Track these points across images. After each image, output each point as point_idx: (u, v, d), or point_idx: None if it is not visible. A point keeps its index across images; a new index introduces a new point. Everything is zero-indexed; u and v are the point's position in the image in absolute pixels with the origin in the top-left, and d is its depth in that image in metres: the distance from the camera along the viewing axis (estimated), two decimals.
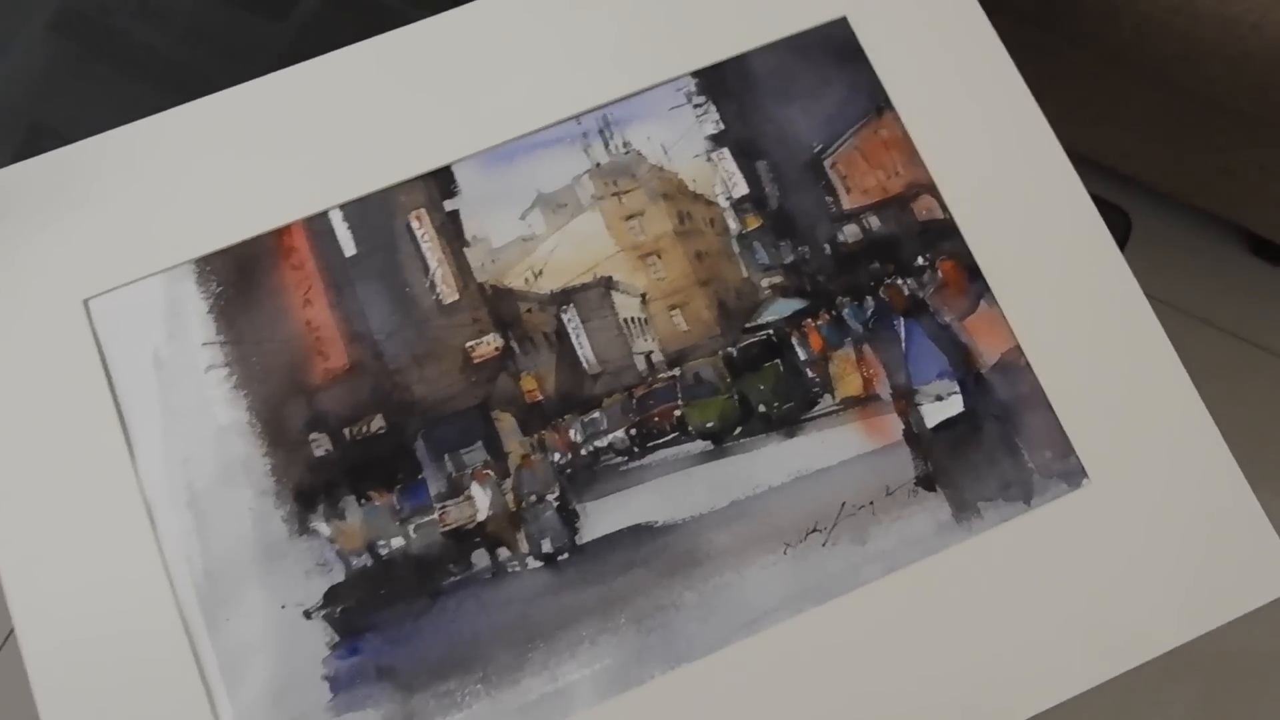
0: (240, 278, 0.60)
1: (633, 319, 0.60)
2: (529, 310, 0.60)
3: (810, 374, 0.60)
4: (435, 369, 0.59)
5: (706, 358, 0.60)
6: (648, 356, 0.60)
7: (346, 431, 0.58)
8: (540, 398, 0.59)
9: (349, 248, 0.60)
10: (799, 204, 0.62)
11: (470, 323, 0.60)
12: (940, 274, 0.61)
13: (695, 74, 0.64)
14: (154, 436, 0.57)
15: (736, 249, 0.62)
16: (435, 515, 0.57)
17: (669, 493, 0.57)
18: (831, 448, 0.58)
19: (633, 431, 0.58)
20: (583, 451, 0.58)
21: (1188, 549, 0.57)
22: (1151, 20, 0.93)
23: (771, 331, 0.60)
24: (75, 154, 0.61)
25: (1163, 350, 0.59)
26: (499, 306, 0.60)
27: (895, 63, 0.64)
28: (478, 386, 0.59)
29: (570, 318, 0.60)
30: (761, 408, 0.59)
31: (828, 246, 0.62)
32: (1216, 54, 0.94)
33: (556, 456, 0.58)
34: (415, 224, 0.61)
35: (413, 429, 0.58)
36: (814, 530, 0.57)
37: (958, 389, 0.59)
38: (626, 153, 0.63)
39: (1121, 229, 0.66)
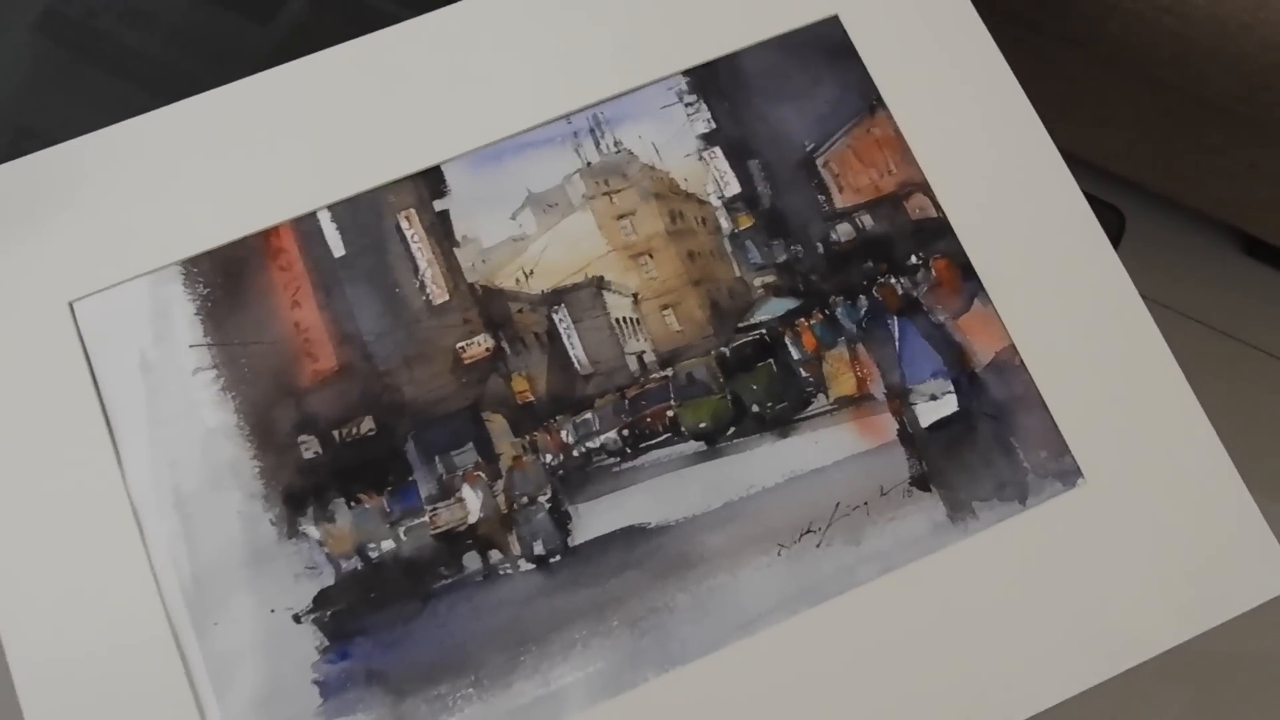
0: (228, 279, 0.59)
1: (625, 319, 0.60)
2: (520, 310, 0.60)
3: (804, 374, 0.59)
4: (425, 370, 0.58)
5: (699, 358, 0.59)
6: (640, 357, 0.59)
7: (336, 434, 0.57)
8: (532, 399, 0.58)
9: (338, 248, 0.60)
10: (791, 203, 0.62)
11: (461, 323, 0.59)
12: (934, 273, 0.61)
13: (687, 73, 0.63)
14: (141, 440, 0.57)
15: (729, 248, 0.61)
16: (426, 518, 0.56)
17: (662, 494, 0.57)
18: (825, 448, 0.58)
19: (625, 432, 0.58)
20: (575, 453, 0.58)
21: (1183, 549, 0.56)
22: (1143, 19, 0.93)
23: (764, 331, 0.60)
24: (60, 156, 0.61)
25: (1158, 349, 0.59)
26: (490, 307, 0.59)
27: (887, 61, 0.64)
28: (469, 388, 0.58)
29: (562, 318, 0.60)
30: (755, 408, 0.59)
31: (820, 245, 0.61)
32: (1208, 54, 0.93)
33: (548, 458, 0.57)
34: (405, 224, 0.60)
35: (403, 431, 0.57)
36: (808, 531, 0.56)
37: (952, 388, 0.59)
38: (618, 152, 0.62)
39: (1115, 227, 0.66)
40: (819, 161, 0.62)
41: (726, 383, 0.59)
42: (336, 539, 0.56)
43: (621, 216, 0.61)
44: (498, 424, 0.58)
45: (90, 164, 0.61)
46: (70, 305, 0.58)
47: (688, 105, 0.63)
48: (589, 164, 0.62)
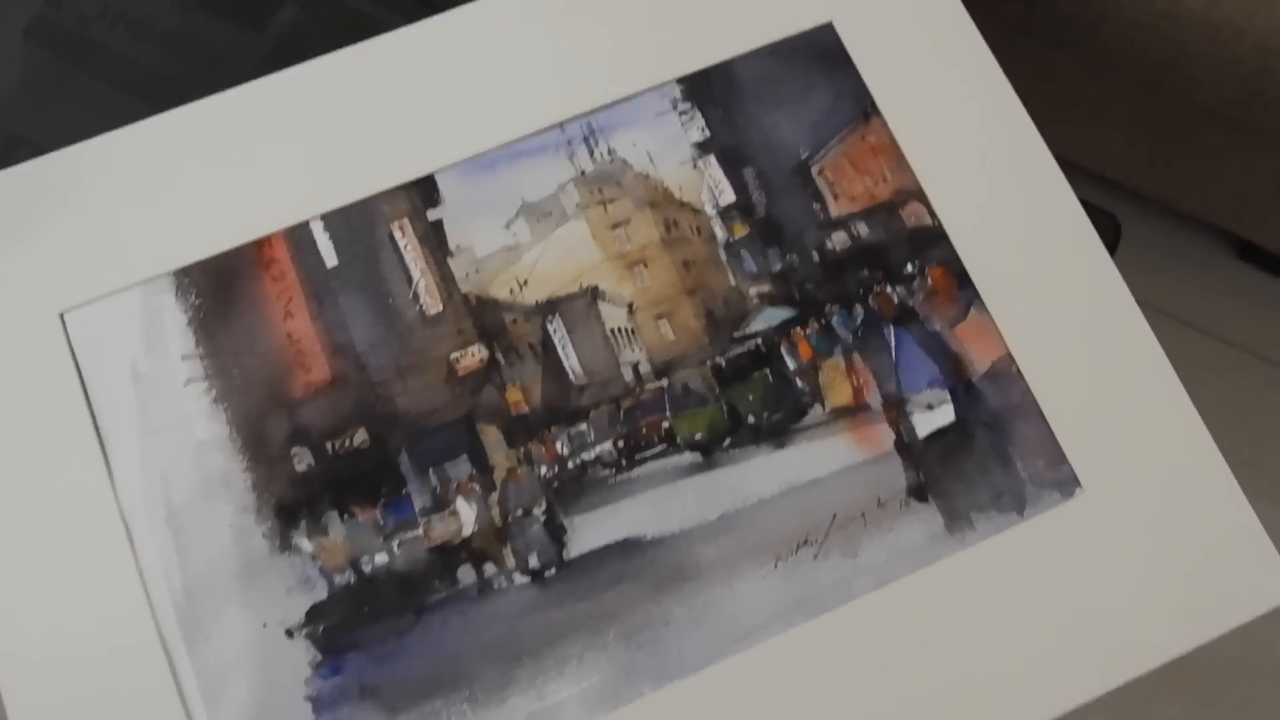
0: (220, 290, 0.59)
1: (619, 329, 0.59)
2: (514, 321, 0.59)
3: (800, 384, 0.59)
4: (419, 381, 0.58)
5: (694, 368, 0.59)
6: (635, 367, 0.59)
7: (329, 445, 0.57)
8: (526, 410, 0.58)
9: (330, 258, 0.59)
10: (786, 211, 0.62)
11: (454, 334, 0.59)
12: (930, 281, 0.60)
13: (680, 80, 0.63)
14: (131, 451, 0.56)
15: (724, 257, 0.61)
16: (420, 530, 0.56)
17: (658, 506, 0.57)
18: (822, 458, 0.57)
19: (620, 443, 0.58)
20: (570, 464, 0.57)
21: (1182, 558, 0.56)
22: (1137, 24, 0.93)
23: (760, 341, 0.60)
24: (50, 165, 0.60)
25: (1155, 357, 0.59)
26: (483, 317, 0.59)
27: (882, 68, 0.63)
28: (462, 399, 0.58)
29: (556, 328, 0.59)
30: (751, 418, 0.58)
31: (816, 254, 0.61)
32: (1202, 58, 0.93)
33: (543, 469, 0.57)
34: (398, 234, 0.60)
35: (396, 442, 0.57)
36: (805, 543, 0.56)
37: (949, 398, 0.59)
38: (612, 160, 0.62)
39: (1111, 234, 0.66)
40: (814, 169, 0.62)
41: (722, 393, 0.59)
42: (329, 552, 0.55)
43: (616, 225, 0.61)
44: (492, 435, 0.57)
45: (81, 173, 0.60)
46: (61, 316, 0.58)
47: (682, 113, 0.63)
48: (583, 173, 0.62)
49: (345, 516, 0.56)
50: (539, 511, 0.56)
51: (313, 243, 0.59)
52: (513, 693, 0.53)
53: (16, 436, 0.56)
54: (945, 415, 0.58)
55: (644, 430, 0.58)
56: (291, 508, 0.56)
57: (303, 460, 0.56)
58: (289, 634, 0.54)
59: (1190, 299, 1.43)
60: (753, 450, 0.58)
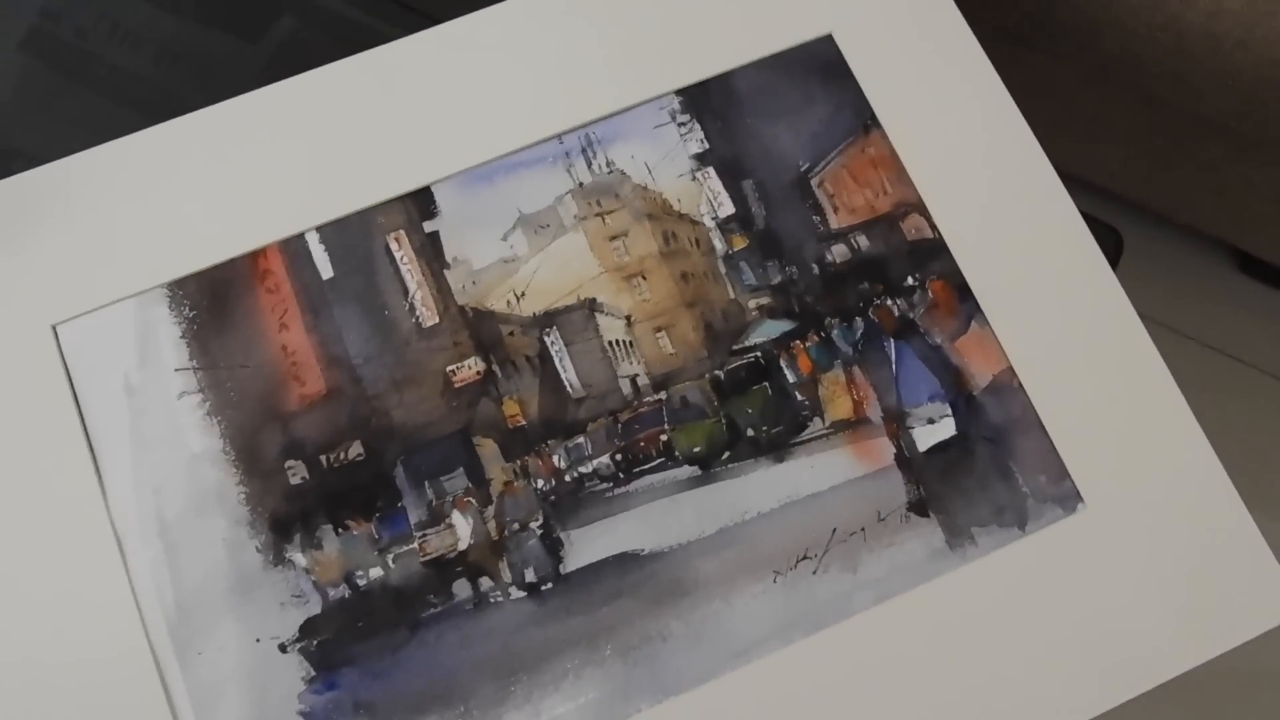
0: (214, 302, 0.58)
1: (617, 341, 0.59)
2: (511, 333, 0.59)
3: (799, 397, 0.59)
4: (415, 394, 0.57)
5: (693, 381, 0.59)
6: (633, 380, 0.58)
7: (324, 459, 0.56)
8: (523, 423, 0.57)
9: (326, 270, 0.59)
10: (786, 223, 0.61)
11: (451, 346, 0.58)
12: (930, 294, 0.60)
13: (679, 92, 0.63)
14: (124, 465, 0.56)
15: (723, 269, 0.61)
16: (415, 544, 0.55)
17: (655, 520, 0.56)
18: (821, 472, 0.57)
19: (618, 457, 0.57)
20: (567, 478, 0.57)
21: (1186, 575, 0.56)
22: (1137, 37, 0.92)
23: (759, 354, 0.59)
24: (44, 176, 0.60)
25: (1157, 371, 0.59)
26: (480, 329, 0.59)
27: (882, 80, 0.63)
28: (459, 411, 0.57)
29: (553, 340, 0.59)
30: (750, 432, 0.58)
31: (816, 266, 0.61)
32: (1203, 70, 0.93)
33: (540, 483, 0.57)
34: (394, 246, 0.60)
35: (392, 456, 0.57)
36: (804, 558, 0.55)
37: (949, 411, 0.58)
38: (610, 172, 0.62)
39: (1113, 247, 0.65)
40: (814, 181, 0.62)
41: (721, 406, 0.58)
42: (323, 566, 0.55)
43: (614, 238, 0.61)
44: (488, 448, 0.57)
45: (75, 184, 0.60)
46: (53, 328, 0.57)
47: (681, 125, 0.62)
48: (581, 184, 0.61)
49: (340, 530, 0.55)
50: (535, 525, 0.56)
51: (308, 254, 0.59)
52: (508, 709, 0.53)
53: (8, 449, 0.55)
54: (946, 429, 0.58)
55: (642, 443, 0.57)
56: (285, 521, 0.55)
57: (297, 473, 0.56)
58: (282, 649, 0.53)
59: (1191, 312, 1.43)
60: (752, 464, 0.57)
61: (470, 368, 0.58)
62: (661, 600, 0.55)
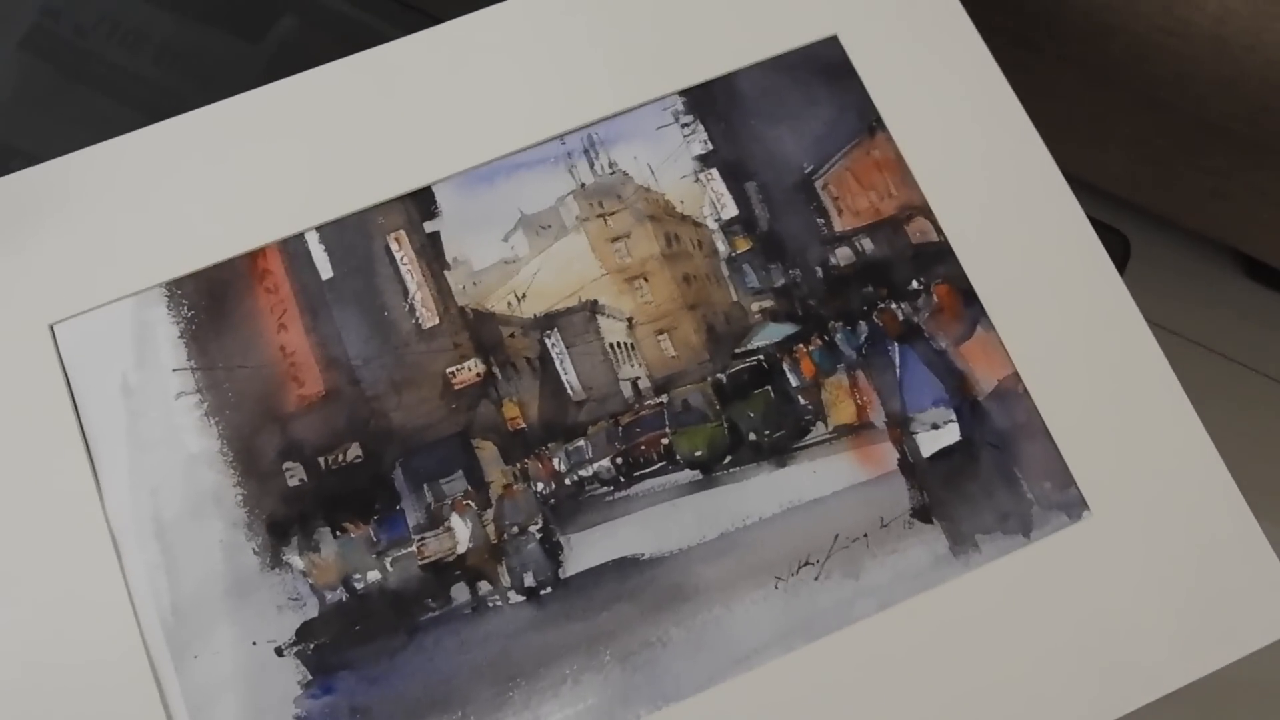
0: (212, 302, 0.58)
1: (619, 344, 0.58)
2: (511, 335, 0.58)
3: (802, 401, 0.58)
4: (414, 396, 0.57)
5: (695, 384, 0.58)
6: (634, 383, 0.58)
7: (322, 461, 0.56)
8: (523, 425, 0.57)
9: (326, 270, 0.59)
10: (789, 226, 0.61)
11: (451, 348, 0.58)
12: (935, 298, 0.59)
13: (683, 93, 0.62)
14: (121, 466, 0.55)
15: (726, 272, 0.60)
16: (413, 547, 0.55)
17: (656, 524, 0.56)
18: (824, 478, 0.56)
19: (619, 460, 0.57)
20: (567, 481, 0.56)
21: (1192, 584, 0.55)
22: (1144, 40, 0.92)
23: (762, 357, 0.59)
24: (42, 175, 0.60)
25: (1165, 377, 0.58)
26: (480, 331, 0.58)
27: (887, 82, 0.63)
28: (458, 414, 0.57)
29: (554, 343, 0.58)
30: (752, 436, 0.57)
31: (819, 269, 0.60)
32: (1210, 75, 0.93)
33: (539, 486, 0.56)
34: (394, 246, 0.59)
35: (390, 458, 0.56)
36: (806, 563, 0.55)
37: (954, 417, 0.58)
38: (612, 173, 0.61)
39: (1120, 252, 0.65)
40: (818, 184, 0.61)
41: (723, 410, 0.58)
42: (321, 569, 0.54)
43: (616, 239, 0.60)
44: (488, 451, 0.56)
45: (73, 183, 0.59)
46: (51, 328, 0.57)
47: (684, 126, 0.62)
48: (583, 185, 0.61)
49: (337, 533, 0.55)
50: (535, 529, 0.55)
51: (308, 255, 0.59)
52: (506, 714, 0.52)
53: (4, 450, 0.55)
54: (950, 435, 0.57)
55: (643, 447, 0.57)
56: (283, 524, 0.55)
57: (295, 475, 0.55)
58: (279, 653, 0.53)
59: (1198, 317, 1.42)
60: (753, 468, 0.57)
61: (470, 369, 0.57)
62: (661, 606, 0.54)
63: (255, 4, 0.73)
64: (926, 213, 0.61)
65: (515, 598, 0.54)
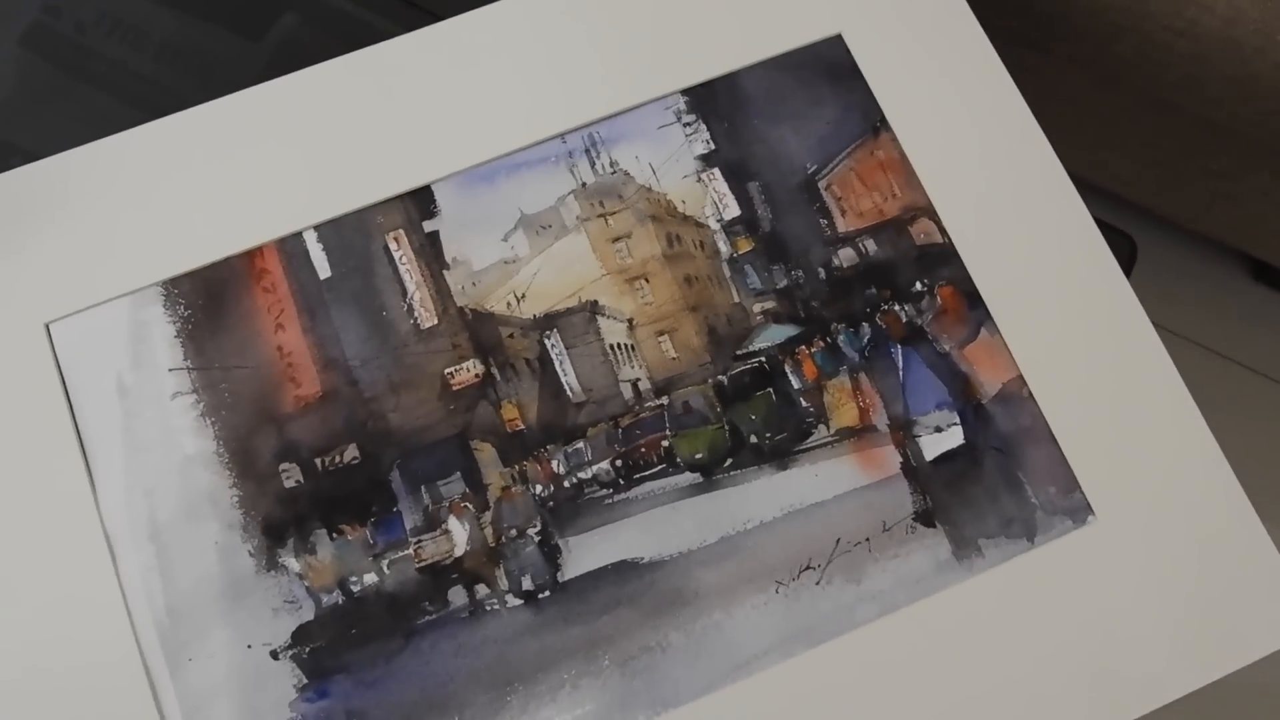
0: (209, 301, 0.57)
1: (619, 345, 0.58)
2: (511, 336, 0.58)
3: (804, 404, 0.57)
4: (412, 397, 0.56)
5: (695, 386, 0.58)
6: (634, 384, 0.57)
7: (318, 462, 0.55)
8: (522, 427, 0.56)
9: (324, 270, 0.58)
10: (792, 226, 0.60)
11: (449, 348, 0.57)
12: (939, 300, 0.59)
13: (685, 92, 0.62)
14: (116, 466, 0.55)
15: (727, 273, 0.60)
16: (410, 550, 0.54)
17: (656, 527, 0.55)
18: (826, 481, 0.56)
19: (618, 463, 0.56)
20: (566, 484, 0.56)
21: (1198, 590, 0.54)
22: (1154, 41, 0.91)
23: (764, 359, 0.58)
24: (38, 172, 0.59)
25: (1171, 381, 0.57)
26: (479, 332, 0.58)
27: (892, 82, 0.62)
28: (456, 415, 0.56)
29: (554, 344, 0.58)
30: (753, 439, 0.57)
31: (822, 271, 0.60)
32: (1220, 76, 0.92)
33: (538, 489, 0.56)
34: (393, 245, 0.59)
35: (388, 459, 0.56)
36: (807, 568, 0.54)
37: (957, 420, 0.57)
38: (613, 173, 0.61)
39: (1127, 255, 0.64)
40: (821, 184, 0.61)
41: (724, 412, 0.57)
42: (317, 572, 0.54)
43: (617, 239, 0.60)
44: (486, 453, 0.56)
45: (69, 181, 0.59)
46: (46, 326, 0.57)
47: (686, 125, 0.61)
48: (584, 185, 0.60)
49: (334, 535, 0.54)
50: (533, 532, 0.55)
51: (306, 254, 0.58)
52: None
53: None
54: (954, 438, 0.57)
55: (643, 449, 0.56)
56: (279, 526, 0.54)
57: (291, 477, 0.55)
58: (274, 656, 0.53)
59: (1205, 321, 1.41)
60: (754, 472, 0.56)
61: (469, 370, 0.57)
62: (661, 610, 0.54)
63: (256, 1, 0.72)
64: (930, 214, 0.60)
65: (513, 601, 0.54)
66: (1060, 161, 0.61)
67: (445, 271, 0.58)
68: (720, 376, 0.58)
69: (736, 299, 0.59)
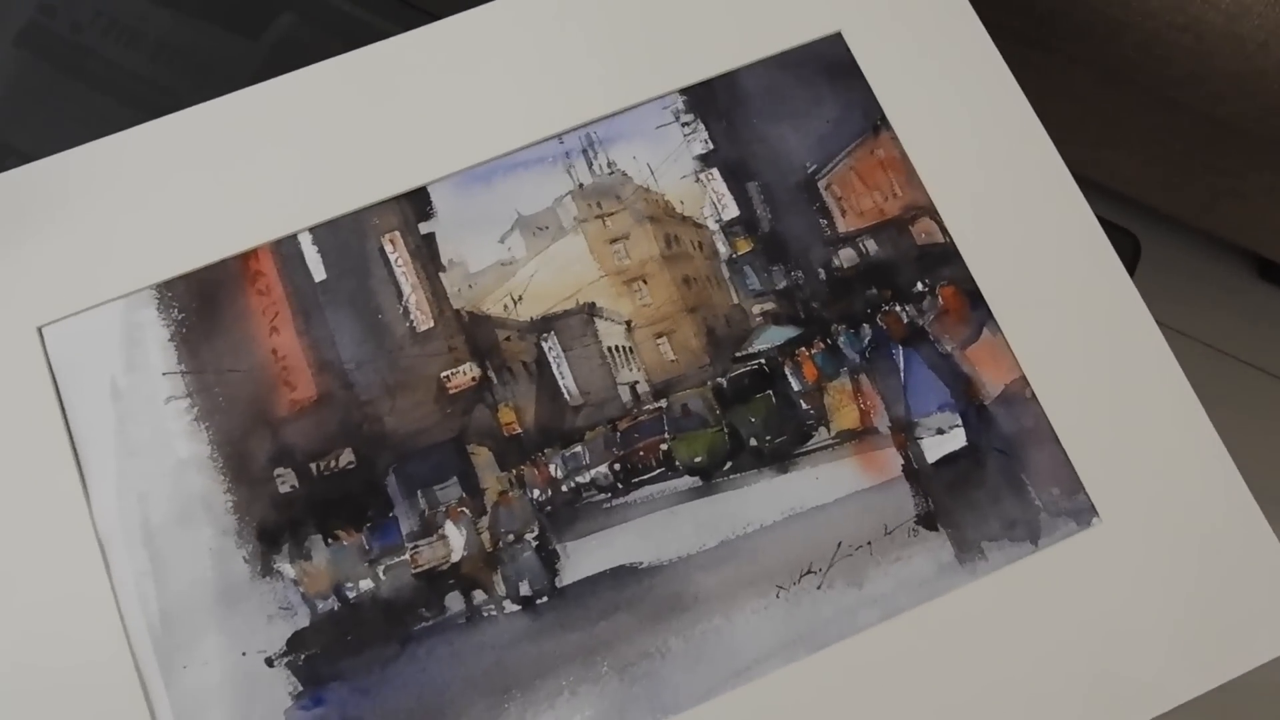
0: (203, 304, 0.57)
1: (617, 347, 0.57)
2: (508, 338, 0.57)
3: (804, 406, 0.57)
4: (408, 400, 0.56)
5: (694, 388, 0.57)
6: (633, 387, 0.57)
7: (314, 466, 0.55)
8: (519, 430, 0.56)
9: (319, 272, 0.58)
10: (792, 227, 0.60)
11: (445, 351, 0.57)
12: (940, 300, 0.58)
13: (683, 91, 0.61)
14: (109, 471, 0.54)
15: (726, 274, 0.59)
16: (406, 556, 0.54)
17: (654, 532, 0.54)
18: (826, 484, 0.55)
19: (616, 467, 0.56)
20: (563, 488, 0.55)
21: (1204, 593, 0.54)
22: (1158, 38, 0.91)
23: (763, 361, 0.57)
24: (31, 174, 0.59)
25: (1176, 381, 0.57)
26: (476, 334, 0.57)
27: (892, 80, 0.61)
28: (453, 419, 0.56)
29: (551, 346, 0.57)
30: (752, 441, 0.56)
31: (822, 271, 0.59)
32: (1225, 73, 0.91)
33: (536, 493, 0.55)
34: (389, 247, 0.58)
35: (384, 464, 0.55)
36: (808, 572, 0.54)
37: (959, 422, 0.56)
38: (611, 173, 0.60)
39: (1130, 253, 0.63)
40: (821, 184, 0.60)
41: (723, 415, 0.57)
42: (312, 578, 0.53)
43: (614, 240, 0.59)
44: (483, 457, 0.55)
45: (62, 183, 0.59)
46: (39, 330, 0.56)
47: (684, 125, 0.61)
48: (581, 185, 0.60)
49: (329, 540, 0.54)
50: (531, 537, 0.54)
51: (300, 256, 0.58)
52: None
53: None
54: (956, 440, 0.56)
55: (641, 453, 0.56)
56: (274, 531, 0.54)
57: (286, 481, 0.55)
58: (269, 663, 0.52)
59: (1210, 320, 1.41)
60: (754, 475, 0.56)
61: (465, 373, 0.56)
62: (660, 615, 0.53)
63: (253, 1, 0.72)
64: (932, 213, 0.59)
65: (510, 607, 0.53)
66: (1064, 159, 0.60)
67: (441, 273, 0.58)
68: (719, 379, 0.57)
69: (736, 300, 0.59)
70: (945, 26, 0.63)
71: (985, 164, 0.60)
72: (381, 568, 0.54)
